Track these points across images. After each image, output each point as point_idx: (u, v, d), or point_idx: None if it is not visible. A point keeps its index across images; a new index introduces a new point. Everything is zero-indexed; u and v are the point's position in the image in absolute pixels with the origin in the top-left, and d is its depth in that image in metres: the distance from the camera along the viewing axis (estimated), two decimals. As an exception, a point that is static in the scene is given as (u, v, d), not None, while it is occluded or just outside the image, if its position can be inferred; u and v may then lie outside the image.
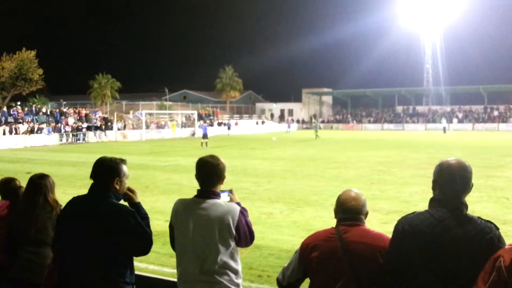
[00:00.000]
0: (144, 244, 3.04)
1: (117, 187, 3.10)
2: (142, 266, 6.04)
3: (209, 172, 3.10)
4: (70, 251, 3.05)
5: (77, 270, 2.99)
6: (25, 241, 3.73)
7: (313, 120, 61.67)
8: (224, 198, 3.14)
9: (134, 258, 3.17)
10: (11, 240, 3.81)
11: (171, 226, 3.20)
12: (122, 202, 3.14)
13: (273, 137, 40.73)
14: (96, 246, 2.96)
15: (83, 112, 45.21)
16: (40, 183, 3.85)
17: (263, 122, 67.96)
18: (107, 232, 2.95)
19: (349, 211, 2.79)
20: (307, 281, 2.89)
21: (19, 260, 3.73)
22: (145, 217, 3.13)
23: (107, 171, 3.09)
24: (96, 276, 2.96)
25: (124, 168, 3.15)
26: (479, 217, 2.46)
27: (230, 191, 3.21)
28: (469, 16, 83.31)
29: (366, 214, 2.86)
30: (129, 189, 3.20)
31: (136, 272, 3.21)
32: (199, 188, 3.16)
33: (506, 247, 2.16)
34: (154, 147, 32.63)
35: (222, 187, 3.18)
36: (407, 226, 2.51)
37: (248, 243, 3.14)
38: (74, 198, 3.20)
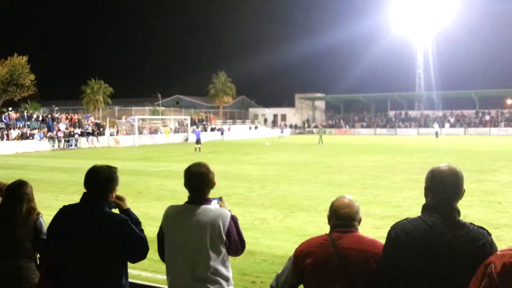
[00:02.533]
0: (141, 250, 3.06)
1: (113, 195, 3.10)
2: (135, 273, 5.99)
3: (199, 181, 3.09)
4: (63, 261, 3.01)
5: (71, 280, 2.97)
6: (3, 254, 3.60)
7: (319, 126, 60.84)
8: (213, 206, 3.13)
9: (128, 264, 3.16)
10: None
11: (160, 233, 3.17)
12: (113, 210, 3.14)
13: (266, 142, 40.78)
14: (92, 255, 2.94)
15: (75, 117, 44.98)
16: (20, 192, 3.71)
17: (256, 127, 68.02)
18: (103, 241, 2.94)
19: (342, 217, 2.79)
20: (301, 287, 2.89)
21: None
22: (137, 222, 3.14)
23: (106, 180, 3.07)
24: (91, 284, 2.94)
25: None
26: (471, 223, 2.48)
27: (220, 199, 3.20)
28: (460, 21, 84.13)
29: (359, 221, 2.86)
30: (117, 197, 3.20)
31: (129, 280, 3.19)
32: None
33: (498, 253, 2.16)
34: (147, 152, 32.53)
35: (211, 195, 3.17)
36: (400, 232, 2.53)
37: (239, 251, 3.13)
38: (65, 207, 3.16)
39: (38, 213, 3.71)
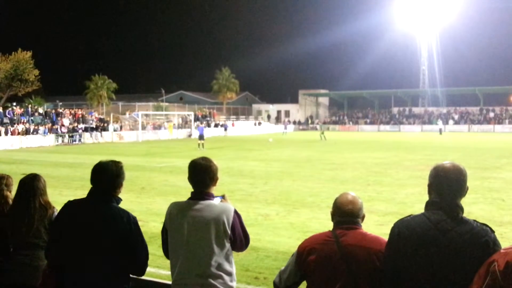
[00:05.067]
0: (143, 254, 3.07)
1: (121, 190, 3.12)
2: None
3: (202, 174, 3.11)
4: (69, 255, 3.02)
5: (76, 274, 2.98)
6: (20, 245, 3.66)
7: (320, 124, 60.68)
8: (216, 203, 3.13)
9: None
10: (3, 243, 3.74)
11: (164, 231, 3.18)
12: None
13: (270, 139, 40.76)
14: (97, 249, 2.95)
15: (79, 113, 45.08)
16: (33, 185, 3.74)
17: (259, 123, 67.97)
18: (109, 235, 2.95)
19: (346, 214, 2.79)
20: (304, 284, 2.89)
21: (13, 265, 3.64)
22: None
23: (112, 176, 3.08)
24: (95, 279, 2.95)
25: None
26: (474, 220, 2.47)
27: (223, 197, 3.21)
28: (464, 18, 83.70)
29: (363, 217, 2.86)
30: None
31: (131, 275, 3.20)
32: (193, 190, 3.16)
33: (501, 251, 2.16)
34: (151, 148, 32.58)
35: (214, 193, 3.18)
36: (403, 229, 2.52)
37: (243, 246, 3.14)
38: (71, 202, 3.16)
39: (53, 207, 3.75)
